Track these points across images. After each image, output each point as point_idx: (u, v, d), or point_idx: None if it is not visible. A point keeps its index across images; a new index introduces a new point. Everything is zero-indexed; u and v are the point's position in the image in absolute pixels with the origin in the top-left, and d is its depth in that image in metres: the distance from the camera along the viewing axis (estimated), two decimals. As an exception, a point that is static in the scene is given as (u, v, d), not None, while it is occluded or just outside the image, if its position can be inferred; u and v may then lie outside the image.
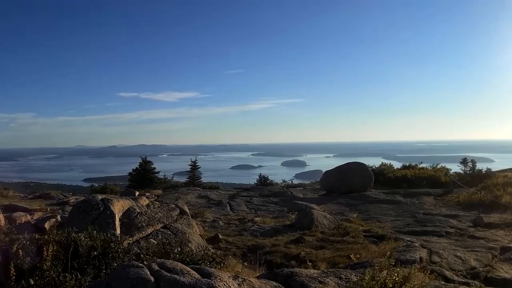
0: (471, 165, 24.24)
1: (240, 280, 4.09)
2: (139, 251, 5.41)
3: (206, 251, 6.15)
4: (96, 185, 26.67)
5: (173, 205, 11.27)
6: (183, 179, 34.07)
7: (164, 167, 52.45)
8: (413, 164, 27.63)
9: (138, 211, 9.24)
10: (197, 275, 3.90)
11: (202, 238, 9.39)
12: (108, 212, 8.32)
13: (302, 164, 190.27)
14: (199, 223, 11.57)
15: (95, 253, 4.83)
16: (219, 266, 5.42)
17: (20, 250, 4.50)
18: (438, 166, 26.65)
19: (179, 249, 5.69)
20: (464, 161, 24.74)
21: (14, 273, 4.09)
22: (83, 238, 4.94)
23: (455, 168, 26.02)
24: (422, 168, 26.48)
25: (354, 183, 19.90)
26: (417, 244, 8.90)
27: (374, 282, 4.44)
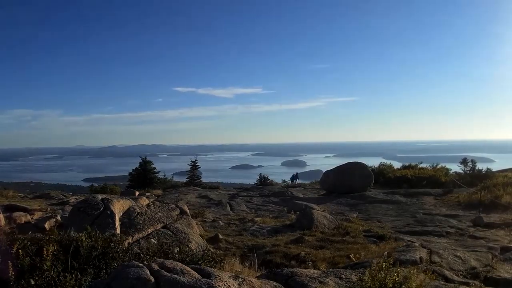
0: (471, 165, 24.23)
1: (240, 280, 4.09)
2: (139, 251, 5.41)
3: (206, 251, 6.15)
4: (96, 185, 26.69)
5: (173, 205, 11.27)
6: (183, 179, 34.12)
7: (164, 167, 52.48)
8: (413, 164, 27.63)
9: (138, 211, 9.24)
10: (197, 275, 3.90)
11: (202, 238, 9.40)
12: (108, 212, 8.32)
13: (302, 164, 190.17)
14: (199, 223, 11.56)
15: (95, 253, 4.83)
16: (219, 266, 5.42)
17: (20, 250, 4.50)
18: (438, 166, 26.65)
19: (179, 249, 5.69)
20: (464, 161, 24.73)
21: (13, 273, 4.09)
22: (83, 238, 4.94)
23: (455, 168, 26.02)
24: (422, 168, 26.46)
25: (354, 183, 19.89)
26: (417, 244, 8.89)
27: (374, 282, 4.44)
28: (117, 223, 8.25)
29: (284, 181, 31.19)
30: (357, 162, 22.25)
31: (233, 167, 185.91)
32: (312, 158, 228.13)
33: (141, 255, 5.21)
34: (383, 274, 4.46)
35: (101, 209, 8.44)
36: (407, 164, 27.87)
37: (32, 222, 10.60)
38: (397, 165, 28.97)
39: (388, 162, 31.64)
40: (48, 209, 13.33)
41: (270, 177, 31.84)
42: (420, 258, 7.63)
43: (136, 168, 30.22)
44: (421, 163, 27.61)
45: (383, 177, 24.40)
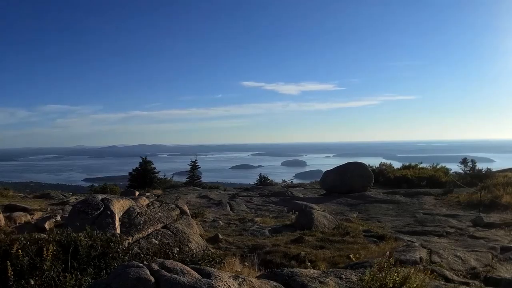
0: (471, 165, 24.23)
1: (240, 280, 4.09)
2: (139, 251, 5.41)
3: (206, 251, 6.16)
4: (96, 185, 26.71)
5: (173, 205, 11.26)
6: (183, 179, 34.16)
7: (164, 167, 52.50)
8: (413, 164, 27.64)
9: (138, 211, 9.23)
10: (197, 275, 3.90)
11: (202, 238, 9.40)
12: (108, 212, 8.32)
13: (302, 164, 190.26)
14: (199, 223, 11.56)
15: (95, 253, 4.83)
16: (219, 266, 5.42)
17: (20, 250, 4.50)
18: (438, 166, 26.66)
19: (179, 249, 5.70)
20: (464, 161, 24.74)
21: (12, 273, 4.08)
22: (83, 238, 4.94)
23: (455, 168, 26.03)
24: (422, 168, 26.46)
25: (354, 183, 19.89)
26: (417, 244, 8.90)
27: (374, 282, 4.44)
28: (117, 223, 8.24)
29: (284, 181, 31.22)
30: (357, 162, 22.25)
31: (233, 167, 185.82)
32: (312, 158, 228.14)
33: (141, 255, 5.21)
34: (384, 274, 4.46)
35: (101, 209, 8.43)
36: (407, 164, 27.86)
37: (32, 222, 10.61)
38: (397, 165, 28.97)
39: (388, 162, 31.65)
40: (48, 209, 13.34)
41: (270, 177, 31.93)
42: (420, 258, 7.64)
43: (136, 168, 30.25)
44: (421, 163, 27.61)
45: (383, 177, 24.42)
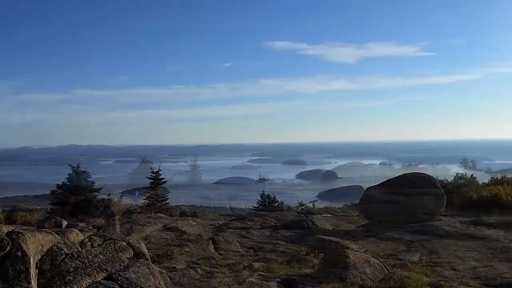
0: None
1: None
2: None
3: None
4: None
5: (124, 243, 5.73)
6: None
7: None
8: (510, 177, 17.85)
9: (67, 252, 5.60)
10: None
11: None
12: (19, 254, 4.97)
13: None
14: (164, 271, 6.73)
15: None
16: None
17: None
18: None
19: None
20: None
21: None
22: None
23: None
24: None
25: (415, 207, 12.84)
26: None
27: None
28: (33, 272, 5.01)
29: (300, 203, 21.82)
30: (419, 173, 15.24)
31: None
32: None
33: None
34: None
35: (7, 249, 5.02)
36: (498, 178, 18.70)
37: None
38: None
39: (469, 173, 20.34)
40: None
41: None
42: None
43: (63, 182, 17.18)
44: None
45: (459, 196, 16.55)
